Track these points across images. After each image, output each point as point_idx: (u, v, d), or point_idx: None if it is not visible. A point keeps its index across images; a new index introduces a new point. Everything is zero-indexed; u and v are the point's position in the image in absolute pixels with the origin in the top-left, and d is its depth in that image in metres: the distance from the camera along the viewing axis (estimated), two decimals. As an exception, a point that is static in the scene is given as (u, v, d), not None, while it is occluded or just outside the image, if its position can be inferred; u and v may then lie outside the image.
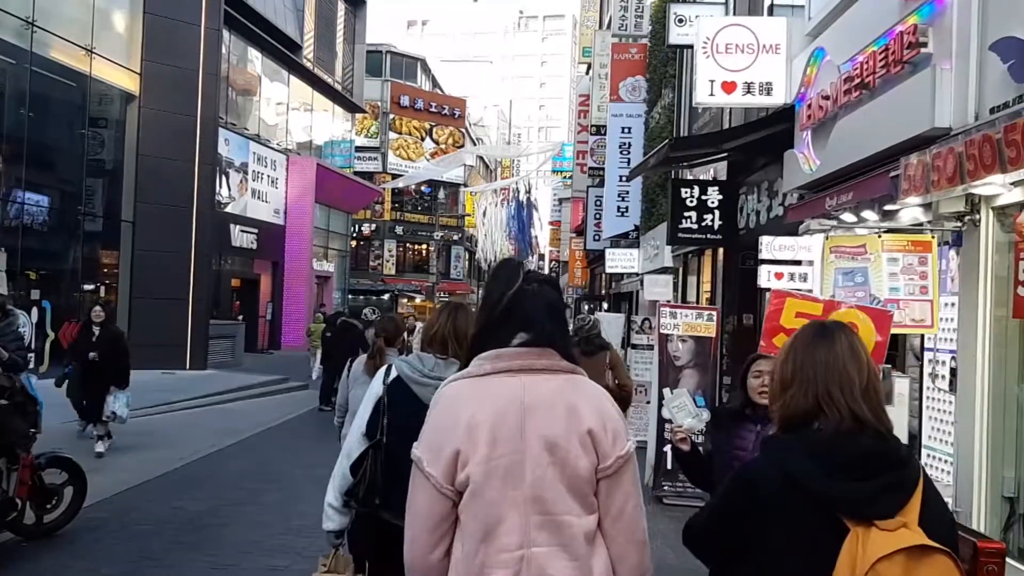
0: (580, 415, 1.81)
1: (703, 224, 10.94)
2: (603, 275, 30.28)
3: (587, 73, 34.19)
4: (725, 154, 11.11)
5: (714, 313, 7.95)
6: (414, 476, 1.84)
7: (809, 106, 7.53)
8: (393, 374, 2.87)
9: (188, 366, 16.51)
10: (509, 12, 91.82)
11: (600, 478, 1.81)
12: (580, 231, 33.42)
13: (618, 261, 17.79)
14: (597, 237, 24.37)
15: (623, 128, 18.02)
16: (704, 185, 11.07)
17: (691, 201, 10.95)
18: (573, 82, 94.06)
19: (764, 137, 8.90)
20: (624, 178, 17.91)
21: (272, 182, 26.19)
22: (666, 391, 7.22)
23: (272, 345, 26.22)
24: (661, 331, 7.99)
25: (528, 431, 1.79)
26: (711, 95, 8.23)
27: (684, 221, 10.95)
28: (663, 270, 14.67)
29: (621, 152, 17.98)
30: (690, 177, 12.49)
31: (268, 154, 25.71)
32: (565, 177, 48.03)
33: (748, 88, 8.20)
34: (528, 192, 43.27)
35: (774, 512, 1.69)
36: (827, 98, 7.06)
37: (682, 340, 7.94)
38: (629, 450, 1.85)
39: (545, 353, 1.87)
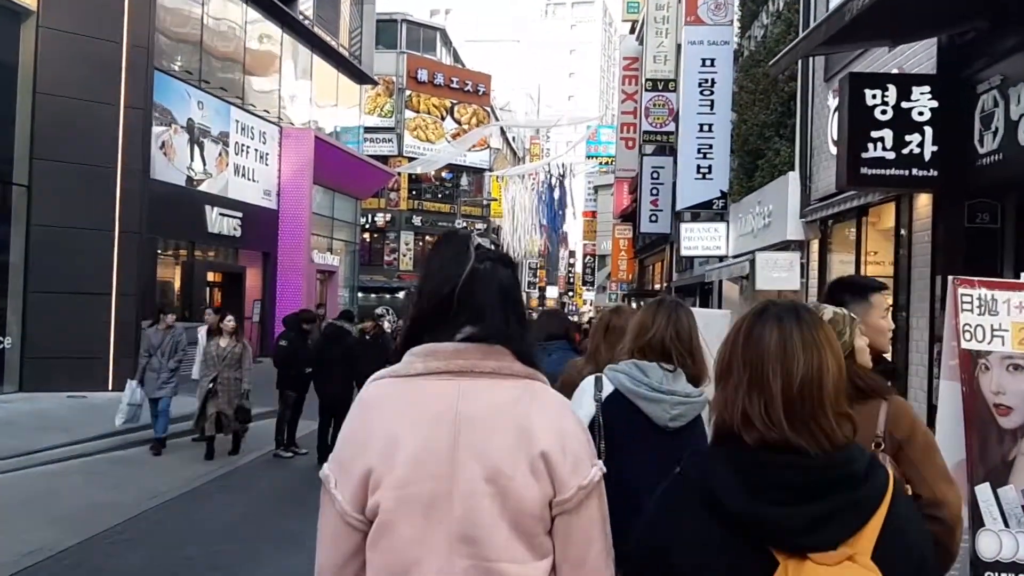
0: (532, 433, 1.36)
1: (904, 152, 6.29)
2: (655, 266, 25.69)
3: (632, 32, 29.63)
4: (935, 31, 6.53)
5: (1096, 302, 3.29)
6: (322, 498, 1.42)
7: None
8: (608, 388, 2.38)
9: (110, 386, 12.02)
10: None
11: (556, 514, 1.37)
12: (627, 215, 28.67)
13: (697, 240, 13.09)
14: (654, 218, 19.80)
15: (704, 60, 13.33)
16: (905, 84, 6.39)
17: (883, 111, 6.30)
18: (603, 70, 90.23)
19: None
20: (706, 127, 13.22)
21: (261, 157, 22.04)
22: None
23: (262, 351, 21.96)
24: (959, 346, 3.30)
25: (462, 451, 1.35)
26: None
27: (872, 147, 6.30)
28: (783, 246, 9.97)
29: (701, 92, 13.29)
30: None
31: (255, 124, 21.47)
32: (602, 163, 43.69)
33: None
34: (561, 176, 38.74)
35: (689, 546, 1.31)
36: None
37: (1015, 367, 3.29)
38: (594, 479, 1.40)
39: (494, 352, 1.41)
